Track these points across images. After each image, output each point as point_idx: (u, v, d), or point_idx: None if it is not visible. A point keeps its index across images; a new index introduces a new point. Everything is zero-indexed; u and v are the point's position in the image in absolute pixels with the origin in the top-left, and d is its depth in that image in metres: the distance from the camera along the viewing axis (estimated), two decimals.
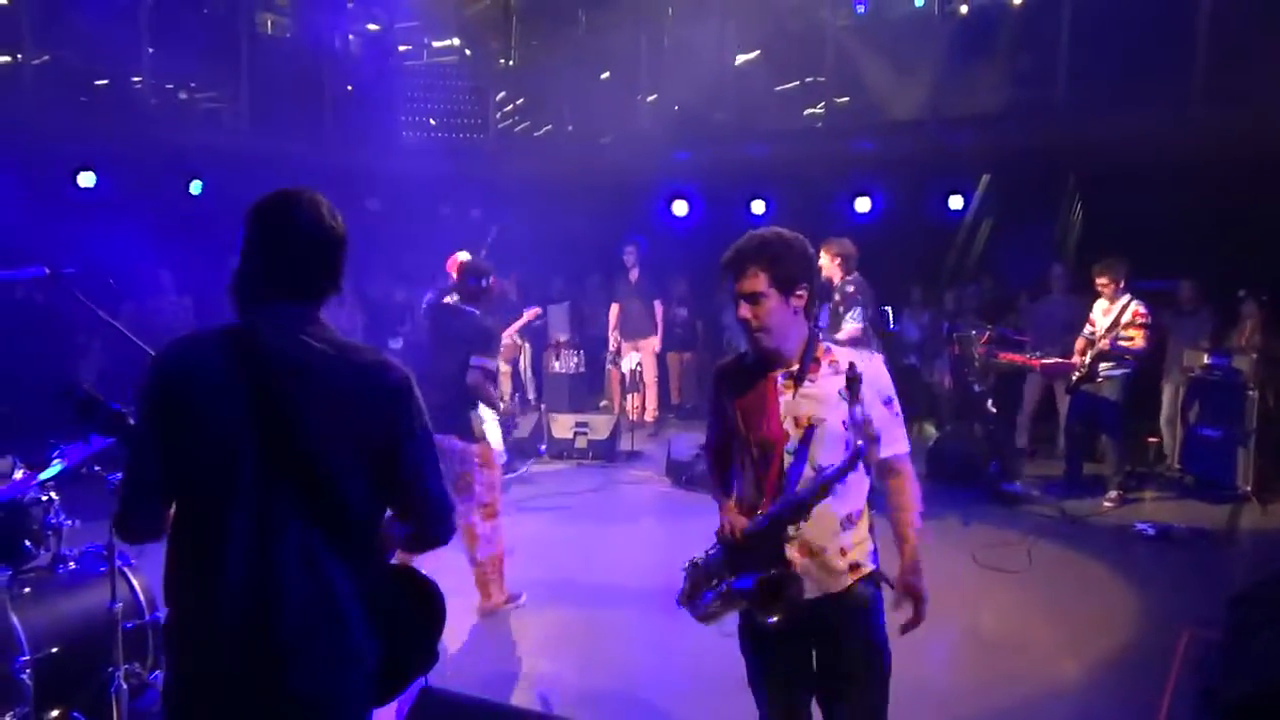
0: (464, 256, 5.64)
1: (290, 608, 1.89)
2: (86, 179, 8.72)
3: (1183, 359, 8.29)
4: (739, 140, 10.91)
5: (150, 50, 9.48)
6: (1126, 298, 7.16)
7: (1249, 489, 7.46)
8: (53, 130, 8.72)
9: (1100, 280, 7.21)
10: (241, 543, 1.88)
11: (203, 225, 8.07)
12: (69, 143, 8.82)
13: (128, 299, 8.16)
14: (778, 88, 11.16)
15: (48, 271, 3.44)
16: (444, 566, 2.21)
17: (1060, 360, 7.59)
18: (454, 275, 5.58)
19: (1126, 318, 7.08)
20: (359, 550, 1.98)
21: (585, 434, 9.08)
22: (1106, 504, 7.34)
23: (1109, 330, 7.11)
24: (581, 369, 10.79)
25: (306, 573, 1.90)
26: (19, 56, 8.75)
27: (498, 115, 12.30)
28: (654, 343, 10.24)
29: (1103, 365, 7.19)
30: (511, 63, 13.25)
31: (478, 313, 5.10)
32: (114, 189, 8.91)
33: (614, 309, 10.31)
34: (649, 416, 10.29)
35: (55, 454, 3.61)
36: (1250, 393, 7.58)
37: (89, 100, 9.41)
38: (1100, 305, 7.32)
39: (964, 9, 10.60)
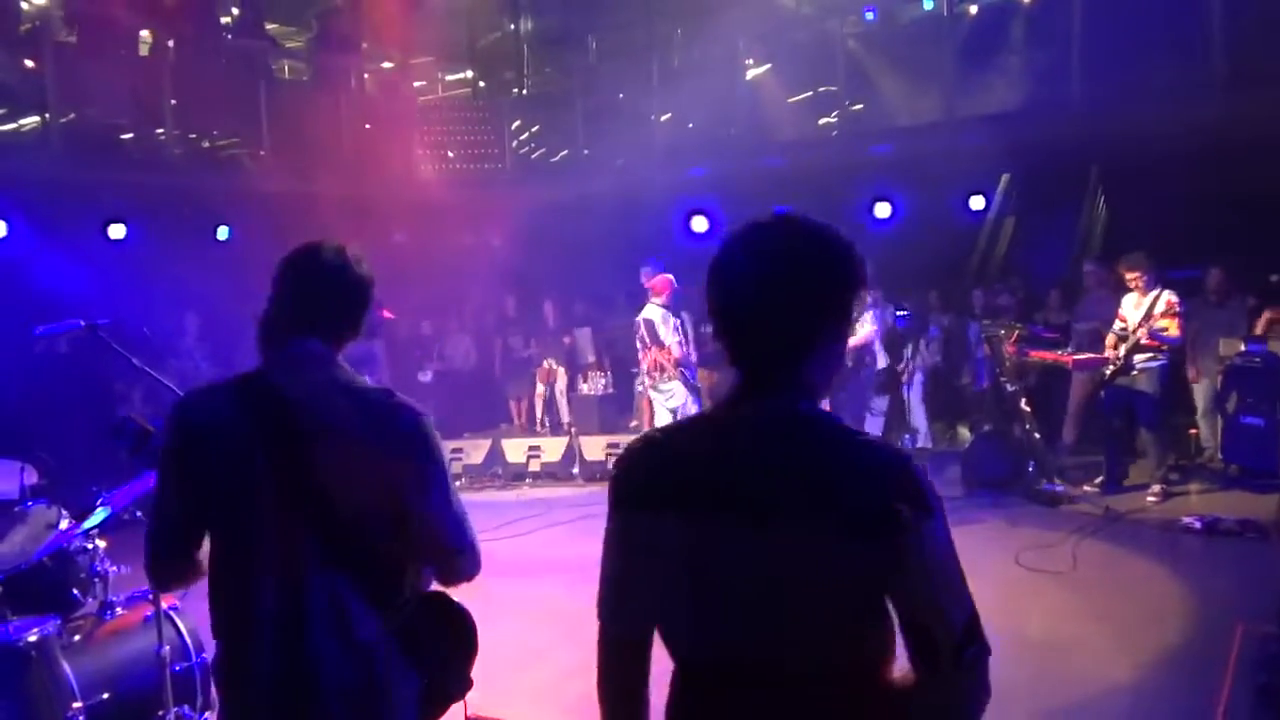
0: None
1: (321, 651, 1.91)
2: (117, 231, 8.90)
3: (1218, 348, 8.15)
4: (755, 153, 10.94)
5: (172, 102, 9.70)
6: (1157, 289, 7.07)
7: None
8: (82, 186, 8.92)
9: (1130, 275, 7.13)
10: (269, 591, 1.91)
11: (231, 270, 8.22)
12: (98, 197, 9.02)
13: (170, 349, 8.34)
14: (790, 99, 11.20)
15: (83, 324, 3.52)
16: (476, 591, 2.20)
17: (1093, 356, 7.50)
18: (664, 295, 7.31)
19: (1160, 308, 6.99)
20: (386, 589, 1.99)
21: (617, 454, 9.07)
22: (1150, 499, 7.22)
23: (1143, 322, 7.02)
24: (610, 390, 10.81)
25: (334, 613, 1.92)
26: (46, 117, 8.97)
27: (514, 143, 12.43)
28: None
29: (1138, 358, 7.10)
30: (525, 91, 13.42)
31: None
32: (144, 239, 9.09)
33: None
34: None
35: (99, 501, 3.68)
36: None
37: (115, 155, 9.62)
38: (1130, 299, 7.23)
39: (973, 9, 10.59)
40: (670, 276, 8.00)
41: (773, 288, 1.46)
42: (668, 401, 7.95)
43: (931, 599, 1.42)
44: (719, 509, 1.45)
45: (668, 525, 1.49)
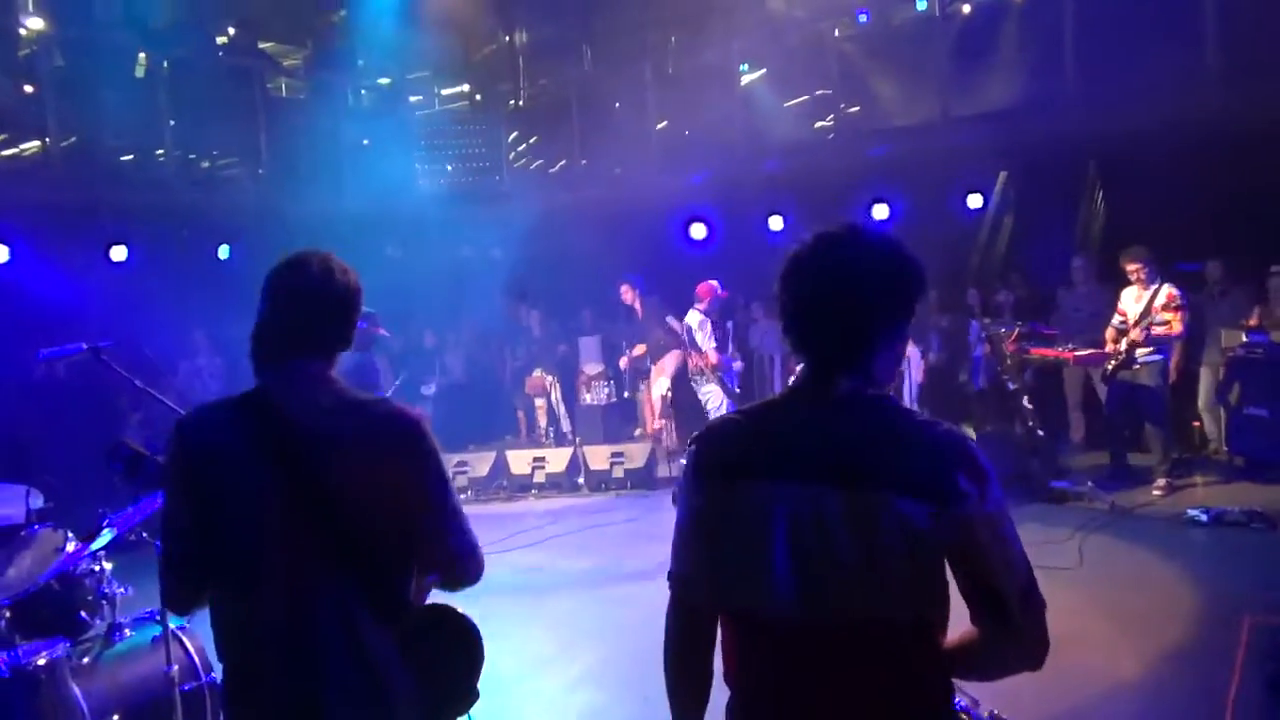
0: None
1: (330, 666, 1.92)
2: (119, 253, 8.95)
3: (1221, 339, 8.15)
4: (752, 159, 10.96)
5: (171, 123, 9.74)
6: (1158, 282, 7.07)
7: None
8: (83, 209, 8.97)
9: (1130, 267, 7.14)
10: (278, 607, 1.93)
11: (233, 288, 8.24)
12: (99, 219, 9.07)
13: (170, 369, 8.37)
14: (786, 103, 11.22)
15: (86, 347, 3.54)
16: (482, 602, 2.21)
17: (1095, 351, 7.49)
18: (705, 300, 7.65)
19: (1160, 301, 6.99)
20: (393, 598, 2.00)
21: (622, 463, 9.09)
22: (1156, 493, 7.20)
23: (1143, 316, 7.02)
24: (613, 399, 10.81)
25: (343, 629, 1.93)
26: (47, 141, 9.03)
27: (511, 155, 12.47)
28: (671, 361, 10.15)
29: (1140, 352, 7.09)
30: (521, 103, 13.47)
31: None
32: (146, 260, 9.13)
33: (639, 349, 10.30)
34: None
35: (105, 523, 3.70)
36: None
37: (115, 177, 9.66)
38: (1130, 293, 7.23)
39: (966, 8, 10.61)
40: (714, 283, 8.32)
41: (839, 290, 1.64)
42: (707, 404, 8.30)
43: (998, 555, 1.58)
44: (806, 480, 1.61)
45: (759, 496, 1.64)
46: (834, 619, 1.60)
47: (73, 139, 9.22)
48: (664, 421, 9.97)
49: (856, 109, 10.83)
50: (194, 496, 1.97)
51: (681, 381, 9.49)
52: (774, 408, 1.76)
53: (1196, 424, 8.49)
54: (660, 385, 10.03)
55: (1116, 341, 7.21)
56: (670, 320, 9.16)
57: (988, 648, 1.63)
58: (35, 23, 9.87)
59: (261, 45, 11.29)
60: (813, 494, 1.60)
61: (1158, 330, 6.96)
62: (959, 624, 1.66)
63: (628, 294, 9.76)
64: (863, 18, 11.70)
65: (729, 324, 8.48)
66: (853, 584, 1.58)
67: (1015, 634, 1.61)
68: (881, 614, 1.58)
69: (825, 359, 1.67)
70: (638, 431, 11.07)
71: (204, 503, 1.96)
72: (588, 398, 10.78)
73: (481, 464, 9.25)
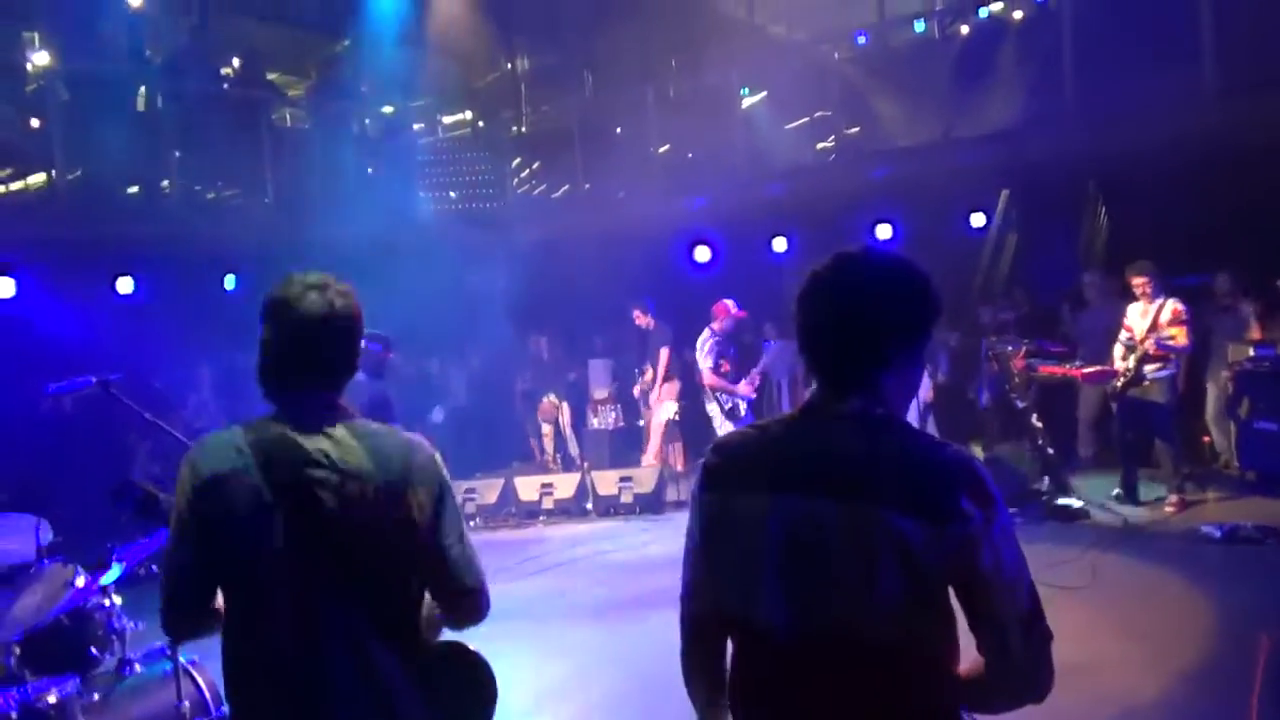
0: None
1: (340, 702, 1.90)
2: (125, 285, 8.98)
3: (1227, 353, 8.12)
4: (754, 181, 11.00)
5: (176, 154, 9.81)
6: (1163, 297, 7.06)
7: None
8: (89, 241, 9.01)
9: (1136, 281, 7.13)
10: (286, 638, 1.91)
11: (240, 318, 8.26)
12: (105, 252, 9.11)
13: (179, 401, 8.38)
14: (787, 125, 11.29)
15: (95, 380, 3.54)
16: (493, 634, 2.19)
17: (1102, 368, 7.47)
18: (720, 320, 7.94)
19: (1166, 317, 6.98)
20: (405, 631, 1.99)
21: (630, 488, 9.06)
22: (1168, 509, 7.16)
23: (1149, 332, 7.01)
24: (620, 423, 10.79)
25: (354, 663, 1.91)
26: (53, 174, 9.09)
27: (514, 181, 12.53)
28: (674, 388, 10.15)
29: (1148, 368, 7.08)
30: (523, 129, 13.57)
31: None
32: (153, 292, 9.16)
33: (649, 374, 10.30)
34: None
35: (114, 557, 3.68)
36: None
37: (121, 209, 9.72)
38: (1135, 308, 7.22)
39: (964, 29, 10.69)
40: (728, 303, 8.42)
41: (854, 308, 1.65)
42: (713, 423, 8.41)
43: (1001, 582, 1.55)
44: (805, 493, 1.61)
45: (759, 506, 1.65)
46: (825, 633, 1.59)
47: (79, 172, 9.29)
48: (673, 446, 9.94)
49: (856, 130, 10.89)
50: (199, 525, 1.95)
51: (690, 404, 9.52)
52: (784, 423, 1.77)
53: (1206, 438, 8.45)
54: (666, 409, 10.02)
55: (1124, 358, 7.19)
56: (662, 352, 9.26)
57: (991, 678, 1.61)
58: (41, 58, 9.99)
59: (266, 76, 11.39)
60: (810, 508, 1.60)
61: (1166, 345, 6.94)
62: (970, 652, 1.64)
63: (640, 318, 9.78)
64: (862, 40, 11.80)
65: (730, 344, 8.44)
66: (844, 599, 1.57)
67: (1018, 665, 1.59)
68: (873, 631, 1.56)
69: (836, 377, 1.68)
70: (644, 457, 11.05)
71: (210, 533, 1.94)
72: (595, 422, 10.77)
73: (490, 491, 9.23)
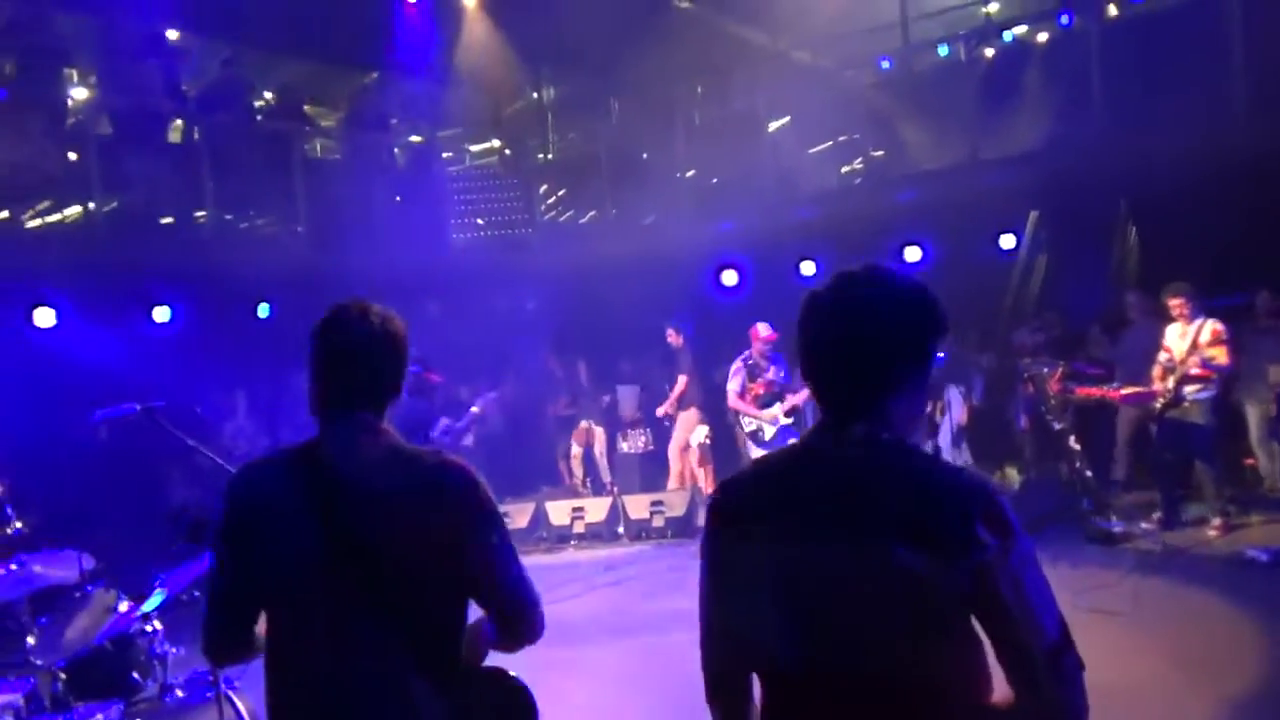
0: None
1: None
2: (162, 314, 9.10)
3: (1268, 374, 7.99)
4: (781, 206, 11.02)
5: (210, 185, 9.97)
6: (1201, 318, 6.98)
7: None
8: (126, 272, 9.14)
9: (1174, 302, 7.05)
10: (324, 663, 1.92)
11: (274, 346, 8.36)
12: (142, 282, 9.24)
13: (216, 428, 8.47)
14: (811, 150, 11.31)
15: (139, 407, 3.59)
16: (527, 659, 2.18)
17: (1141, 390, 7.38)
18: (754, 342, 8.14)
19: (1205, 337, 6.90)
20: (443, 657, 1.98)
21: (662, 512, 9.03)
22: (1211, 533, 7.04)
23: (1189, 353, 6.92)
24: (650, 447, 10.77)
25: (390, 686, 1.91)
26: (90, 206, 9.25)
27: (542, 208, 12.62)
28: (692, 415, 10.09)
29: (1188, 389, 6.98)
30: (551, 156, 13.69)
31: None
32: (188, 320, 9.28)
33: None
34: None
35: (157, 583, 3.71)
36: None
37: (157, 239, 9.87)
38: (1174, 329, 7.14)
39: (989, 52, 10.70)
40: (760, 326, 8.51)
41: (858, 329, 1.59)
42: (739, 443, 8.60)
43: (1024, 612, 1.48)
44: (815, 530, 1.56)
45: (771, 546, 1.59)
46: (848, 671, 1.54)
47: (115, 203, 9.45)
48: (705, 470, 9.89)
49: (885, 154, 10.90)
50: (243, 551, 1.98)
51: (721, 428, 9.50)
52: (789, 456, 1.72)
53: (1249, 461, 8.29)
54: (697, 434, 9.96)
55: (1163, 379, 7.10)
56: (680, 379, 9.26)
57: (1020, 711, 1.53)
58: (80, 93, 10.20)
59: (301, 108, 11.57)
60: (817, 541, 1.55)
61: (1210, 364, 6.85)
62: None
63: (673, 337, 9.81)
64: (886, 64, 11.83)
65: (774, 366, 8.46)
66: (864, 636, 1.52)
67: (1047, 698, 1.50)
68: (896, 666, 1.51)
69: (841, 402, 1.62)
70: (669, 481, 11.01)
71: (253, 558, 1.97)
72: (625, 446, 10.76)
73: (521, 515, 9.23)
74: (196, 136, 10.18)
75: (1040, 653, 1.49)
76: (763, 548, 1.60)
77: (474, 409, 8.28)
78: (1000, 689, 1.57)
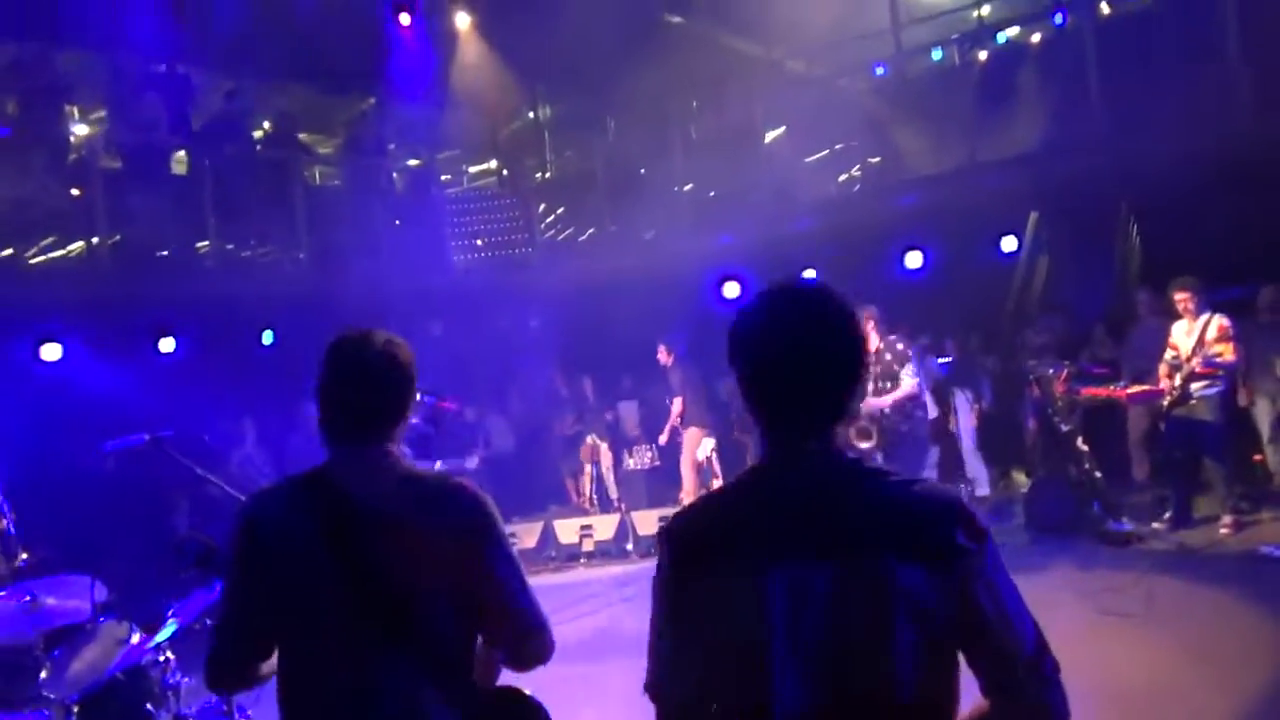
0: None
1: None
2: (167, 344, 9.13)
3: (1275, 368, 7.95)
4: (780, 216, 11.04)
5: (212, 216, 10.03)
6: (1207, 313, 6.96)
7: None
8: (130, 303, 9.19)
9: (1180, 296, 7.03)
10: (338, 688, 1.92)
11: (277, 372, 8.38)
12: (146, 313, 9.29)
13: (224, 457, 8.49)
14: (809, 159, 11.34)
15: (148, 437, 3.60)
16: (539, 678, 2.17)
17: (1148, 388, 7.35)
18: None
19: (1212, 334, 6.87)
20: (457, 679, 1.99)
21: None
22: (1223, 530, 6.99)
23: (1196, 349, 6.90)
24: (657, 463, 10.75)
25: (406, 712, 1.92)
26: (95, 240, 9.31)
27: (541, 226, 12.67)
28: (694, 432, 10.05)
29: (1195, 386, 6.95)
30: (548, 175, 13.75)
31: None
32: (193, 349, 9.31)
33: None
34: None
35: (169, 613, 3.71)
36: None
37: (160, 271, 9.92)
38: (1180, 327, 7.11)
39: (982, 55, 10.74)
40: None
41: (801, 354, 1.53)
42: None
43: (1002, 619, 1.47)
44: (801, 554, 1.49)
45: (738, 578, 1.51)
46: (846, 702, 1.47)
47: (118, 237, 9.51)
48: (711, 484, 9.85)
49: (883, 160, 10.93)
50: (254, 579, 1.99)
51: (724, 443, 9.47)
52: (746, 485, 1.62)
53: (1257, 457, 8.24)
54: (704, 447, 9.94)
55: (1170, 377, 7.07)
56: (676, 401, 9.21)
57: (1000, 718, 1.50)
58: (82, 129, 10.29)
59: (297, 136, 11.64)
60: (808, 570, 1.47)
61: (1215, 361, 6.82)
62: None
63: (662, 355, 9.79)
64: (880, 70, 11.88)
65: None
66: (862, 663, 1.46)
67: (1029, 705, 1.48)
68: (894, 691, 1.45)
69: (795, 423, 1.55)
70: (682, 494, 10.98)
71: (264, 586, 1.97)
72: (631, 462, 10.74)
73: (529, 535, 9.21)
74: (197, 168, 10.24)
75: (1022, 656, 1.47)
76: (746, 581, 1.50)
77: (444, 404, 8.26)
78: (973, 701, 1.53)
